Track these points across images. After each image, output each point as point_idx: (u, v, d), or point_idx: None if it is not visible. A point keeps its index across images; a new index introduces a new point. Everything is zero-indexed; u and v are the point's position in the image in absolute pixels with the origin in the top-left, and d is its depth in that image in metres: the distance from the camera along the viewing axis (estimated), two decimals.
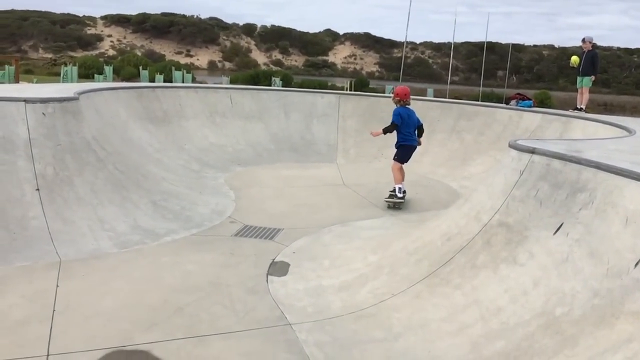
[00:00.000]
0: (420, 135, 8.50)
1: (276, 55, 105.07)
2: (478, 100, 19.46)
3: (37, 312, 4.30)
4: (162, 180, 7.99)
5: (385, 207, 8.07)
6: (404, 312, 4.43)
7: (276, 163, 10.91)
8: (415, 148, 8.37)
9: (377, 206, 8.14)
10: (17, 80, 22.31)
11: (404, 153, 8.25)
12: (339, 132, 12.26)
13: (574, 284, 3.72)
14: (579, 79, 11.62)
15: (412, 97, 8.63)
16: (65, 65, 31.41)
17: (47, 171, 6.06)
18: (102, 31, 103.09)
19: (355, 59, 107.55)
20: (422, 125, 8.49)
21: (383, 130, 8.15)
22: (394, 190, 8.13)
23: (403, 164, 8.24)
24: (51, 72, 42.73)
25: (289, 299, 4.81)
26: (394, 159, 8.26)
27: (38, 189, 5.88)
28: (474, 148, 10.79)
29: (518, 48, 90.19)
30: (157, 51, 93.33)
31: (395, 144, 8.31)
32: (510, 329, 3.79)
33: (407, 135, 8.20)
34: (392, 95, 8.63)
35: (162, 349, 3.88)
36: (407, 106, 8.29)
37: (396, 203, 8.07)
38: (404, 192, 8.20)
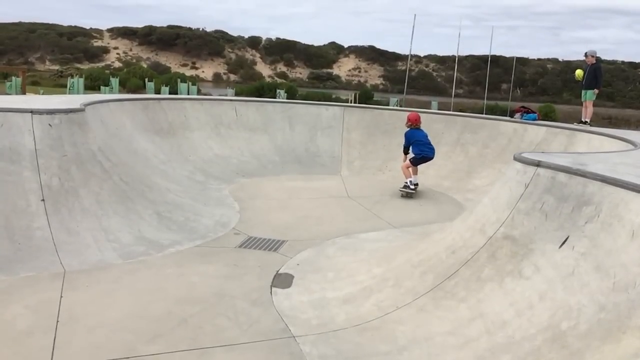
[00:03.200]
0: None
1: (281, 67, 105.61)
2: (482, 113, 19.48)
3: (41, 323, 4.29)
4: (167, 191, 8.00)
5: (391, 221, 8.06)
6: (409, 325, 4.41)
7: (280, 175, 10.93)
8: (430, 158, 9.97)
9: (382, 218, 8.13)
10: (23, 92, 22.47)
11: (419, 160, 9.90)
12: (343, 144, 12.28)
13: (580, 297, 3.70)
14: (583, 92, 11.63)
15: (416, 109, 10.64)
16: (72, 77, 31.67)
17: (52, 182, 6.09)
18: (108, 43, 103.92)
19: (359, 71, 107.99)
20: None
21: (404, 152, 10.08)
22: (406, 183, 9.68)
23: (414, 166, 9.82)
24: (58, 84, 43.07)
25: (293, 311, 4.79)
26: (410, 160, 9.88)
27: (43, 200, 5.90)
28: (479, 161, 10.79)
29: (522, 61, 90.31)
30: (163, 63, 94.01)
31: (416, 154, 9.84)
32: (516, 343, 3.76)
33: (422, 149, 9.82)
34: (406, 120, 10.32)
35: None
36: (417, 129, 10.01)
37: (408, 193, 9.61)
38: (416, 184, 9.76)
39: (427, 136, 9.98)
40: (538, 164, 4.77)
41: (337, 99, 34.02)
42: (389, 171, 11.34)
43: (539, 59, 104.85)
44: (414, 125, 10.00)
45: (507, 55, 78.89)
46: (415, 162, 9.82)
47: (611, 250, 3.75)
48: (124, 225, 6.35)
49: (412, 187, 9.64)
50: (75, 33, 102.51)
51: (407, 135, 10.03)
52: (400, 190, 9.68)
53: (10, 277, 5.07)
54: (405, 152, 10.01)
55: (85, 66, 77.79)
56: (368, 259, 5.98)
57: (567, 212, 4.26)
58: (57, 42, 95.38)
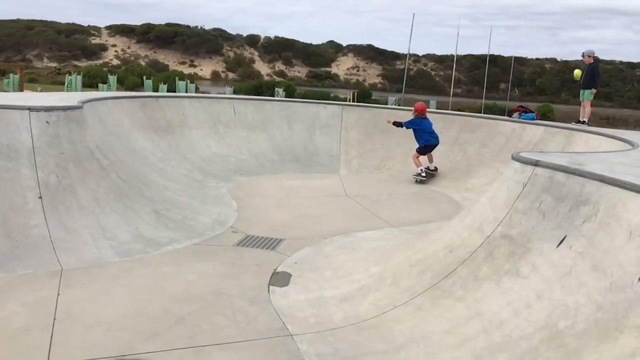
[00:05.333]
0: None
1: (279, 66, 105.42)
2: (481, 113, 19.47)
3: (38, 321, 4.29)
4: (165, 189, 7.99)
5: (389, 220, 8.07)
6: (406, 324, 4.41)
7: (279, 173, 10.92)
8: (435, 145, 10.75)
9: (380, 217, 8.13)
10: (21, 89, 22.41)
11: (424, 149, 10.70)
12: (342, 143, 12.29)
13: (578, 297, 3.70)
14: (580, 92, 11.64)
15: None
16: (70, 74, 31.59)
17: (49, 179, 6.07)
18: (106, 41, 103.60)
19: (358, 70, 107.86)
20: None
21: (395, 122, 10.89)
22: (419, 171, 10.59)
23: (421, 155, 10.69)
24: (55, 81, 42.88)
25: (291, 309, 4.79)
26: (416, 150, 10.68)
27: (40, 197, 5.89)
28: (477, 160, 10.80)
29: (521, 61, 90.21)
30: (161, 61, 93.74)
31: (420, 144, 10.67)
32: (513, 342, 3.76)
33: (426, 138, 10.67)
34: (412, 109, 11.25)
35: (162, 359, 3.86)
36: (423, 118, 10.81)
37: (420, 179, 10.52)
38: (435, 168, 10.83)
39: (432, 125, 10.84)
40: (536, 164, 4.77)
41: (336, 98, 33.97)
42: (387, 170, 11.36)
43: (537, 59, 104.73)
44: (420, 115, 10.82)
45: (506, 54, 79.08)
46: (421, 151, 10.67)
47: (608, 249, 3.75)
48: (122, 223, 6.34)
49: (423, 174, 10.54)
50: (73, 30, 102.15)
51: (414, 121, 10.82)
52: (414, 177, 10.61)
53: (7, 274, 5.06)
54: (396, 124, 10.86)
55: (83, 64, 77.59)
56: (366, 258, 5.98)
57: (565, 211, 4.27)
58: (55, 39, 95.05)
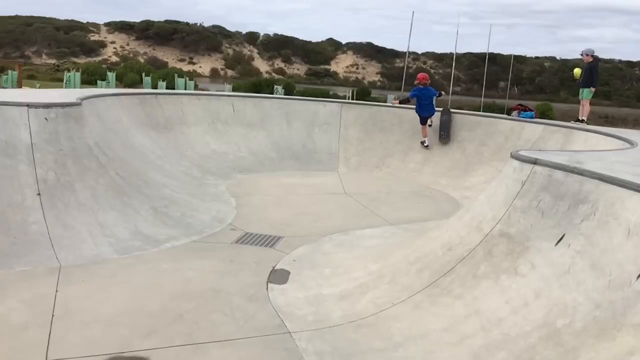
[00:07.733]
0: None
1: (278, 63, 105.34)
2: (480, 111, 19.46)
3: (36, 317, 4.28)
4: (163, 186, 7.99)
5: (388, 218, 8.08)
6: (404, 321, 4.41)
7: (277, 171, 10.92)
8: (428, 116, 11.56)
9: (379, 215, 8.13)
10: (20, 86, 22.36)
11: (420, 119, 11.55)
12: (341, 141, 12.28)
13: (576, 295, 3.71)
14: (580, 90, 11.63)
15: (414, 107, 11.75)
16: (68, 71, 31.47)
17: (48, 176, 6.06)
18: (105, 38, 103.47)
19: (357, 68, 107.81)
20: (438, 95, 11.95)
21: (401, 101, 12.41)
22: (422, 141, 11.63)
23: (423, 124, 11.53)
24: (54, 78, 42.78)
25: (289, 307, 4.79)
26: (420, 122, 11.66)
27: (39, 194, 5.88)
28: (476, 158, 10.80)
29: (520, 59, 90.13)
30: (160, 58, 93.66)
31: (416, 111, 11.62)
32: (512, 340, 3.77)
33: (421, 107, 11.48)
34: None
35: (161, 356, 3.87)
36: (422, 87, 11.45)
37: (425, 146, 11.53)
38: (442, 129, 11.62)
39: (427, 96, 11.48)
40: (535, 162, 4.78)
41: (335, 96, 33.96)
42: (386, 168, 11.35)
43: (536, 57, 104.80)
44: (419, 83, 11.51)
45: (505, 53, 78.97)
46: (420, 121, 11.53)
47: (607, 248, 3.76)
48: (120, 220, 6.34)
49: (426, 144, 11.47)
50: (72, 27, 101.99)
51: (414, 91, 11.58)
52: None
53: (5, 271, 5.06)
54: (403, 102, 12.24)
55: (82, 60, 77.46)
56: (364, 256, 5.98)
57: (564, 210, 4.27)
58: (54, 35, 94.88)
